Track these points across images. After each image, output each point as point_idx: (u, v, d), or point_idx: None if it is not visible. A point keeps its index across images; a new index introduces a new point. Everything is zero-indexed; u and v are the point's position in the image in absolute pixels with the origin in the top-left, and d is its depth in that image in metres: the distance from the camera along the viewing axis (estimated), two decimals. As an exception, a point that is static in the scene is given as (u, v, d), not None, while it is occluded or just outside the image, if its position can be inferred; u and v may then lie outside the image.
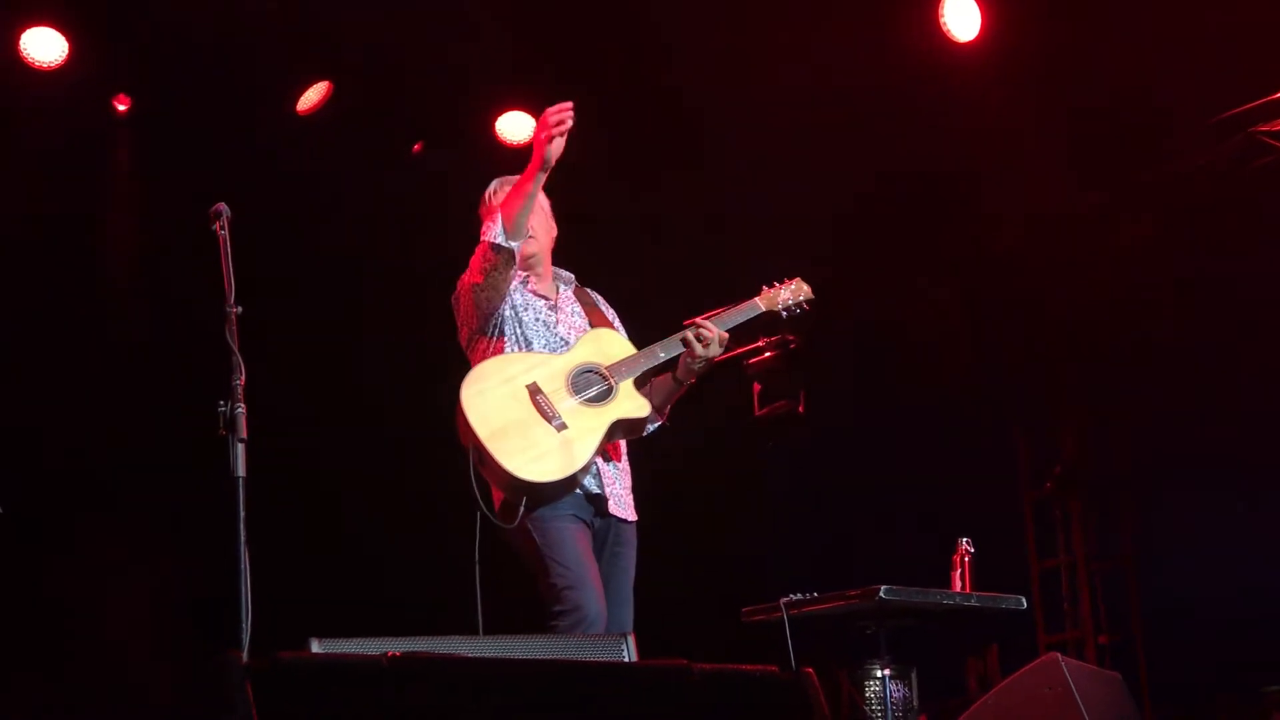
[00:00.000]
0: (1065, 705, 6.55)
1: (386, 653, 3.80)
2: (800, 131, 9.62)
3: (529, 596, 6.02)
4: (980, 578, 7.52)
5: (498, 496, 6.01)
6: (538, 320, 6.21)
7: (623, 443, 6.26)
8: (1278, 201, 9.54)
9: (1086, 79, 9.31)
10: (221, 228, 5.37)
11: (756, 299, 6.45)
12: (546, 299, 6.30)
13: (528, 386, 5.97)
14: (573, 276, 6.52)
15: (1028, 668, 6.90)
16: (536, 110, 9.63)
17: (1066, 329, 10.77)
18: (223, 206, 5.41)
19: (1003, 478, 11.26)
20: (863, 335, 10.66)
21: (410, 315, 9.33)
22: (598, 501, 6.10)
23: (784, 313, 6.48)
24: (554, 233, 6.45)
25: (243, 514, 4.95)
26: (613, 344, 6.24)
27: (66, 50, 8.98)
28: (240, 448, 5.04)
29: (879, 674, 7.24)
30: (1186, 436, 10.23)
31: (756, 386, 9.87)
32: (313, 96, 9.62)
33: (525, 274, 6.28)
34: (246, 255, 5.32)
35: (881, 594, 6.74)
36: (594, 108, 9.46)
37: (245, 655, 3.87)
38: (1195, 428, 10.16)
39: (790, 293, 6.49)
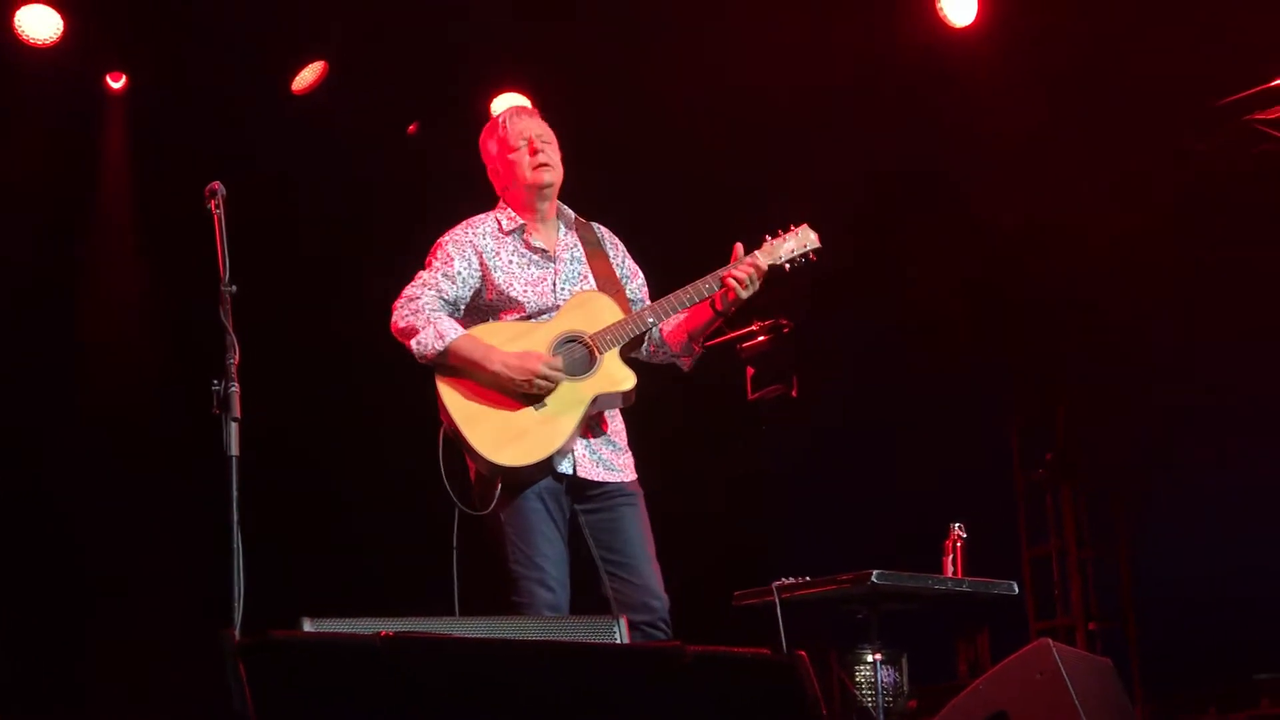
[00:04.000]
0: (1056, 691, 6.55)
1: (380, 632, 3.79)
2: (795, 118, 9.61)
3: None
4: (972, 563, 7.53)
5: (474, 470, 5.91)
6: (529, 280, 6.01)
7: (611, 412, 6.06)
8: (1276, 190, 9.53)
9: (1083, 65, 9.31)
10: (217, 206, 5.35)
11: (756, 253, 6.05)
12: (545, 251, 6.08)
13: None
14: (573, 215, 6.24)
15: (1019, 653, 6.89)
16: (531, 90, 9.73)
17: (1061, 316, 10.77)
18: (218, 185, 5.39)
19: (996, 463, 11.28)
20: (858, 320, 10.66)
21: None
22: (570, 480, 5.91)
23: (787, 265, 6.12)
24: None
25: (235, 493, 4.96)
26: (601, 308, 5.98)
27: (61, 28, 8.97)
28: (234, 427, 5.04)
29: (870, 658, 7.27)
30: (1179, 424, 10.25)
31: (750, 370, 9.87)
32: (308, 76, 9.62)
33: (524, 221, 6.09)
34: (241, 234, 5.32)
35: (874, 578, 6.74)
36: (586, 92, 9.54)
37: (237, 633, 3.87)
38: (1188, 415, 10.18)
39: (795, 242, 6.15)
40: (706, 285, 5.96)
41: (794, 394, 6.64)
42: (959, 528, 7.58)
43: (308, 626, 4.68)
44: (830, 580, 6.90)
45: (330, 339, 9.78)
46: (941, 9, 9.17)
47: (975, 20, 9.21)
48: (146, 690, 9.18)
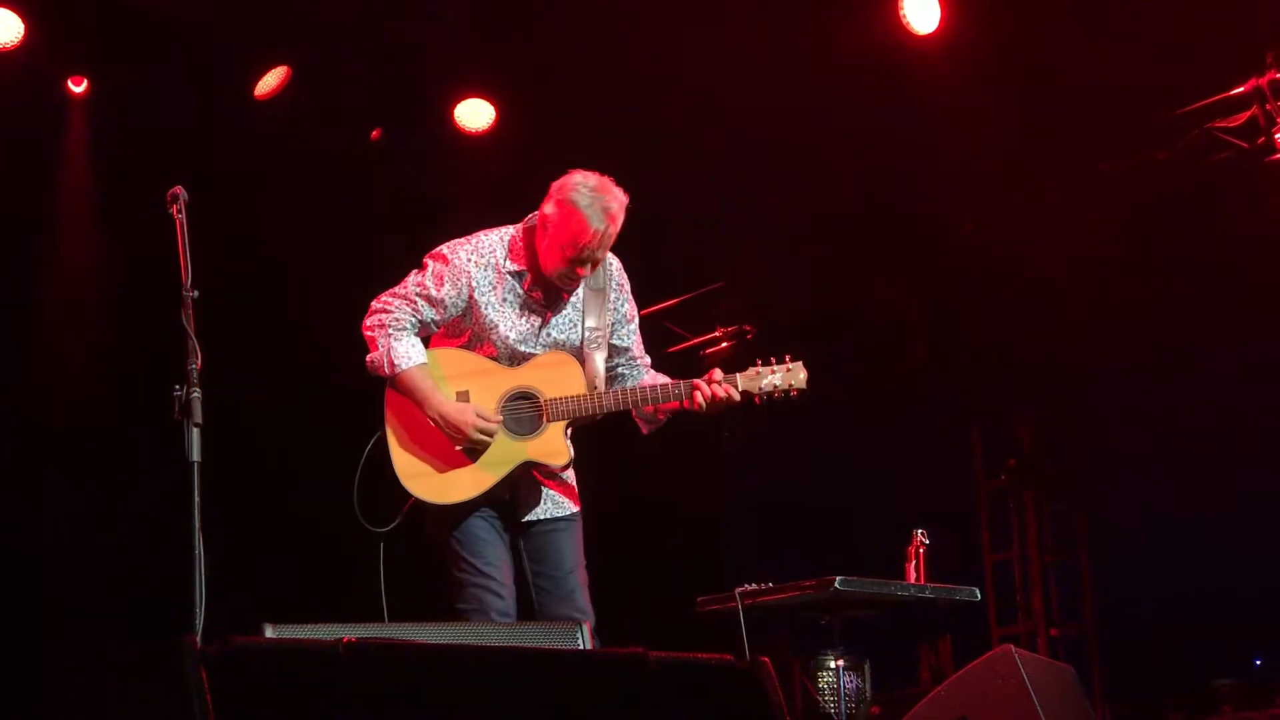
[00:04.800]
0: (1018, 696, 6.56)
1: (342, 638, 3.78)
2: (756, 125, 9.61)
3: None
4: (934, 569, 7.53)
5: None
6: (515, 324, 5.90)
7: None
8: (1235, 197, 9.58)
9: (1045, 72, 9.33)
10: (179, 211, 5.32)
11: (737, 376, 5.95)
12: (539, 297, 5.93)
13: (458, 393, 5.85)
14: None
15: (981, 659, 6.91)
16: (496, 96, 9.72)
17: (1023, 322, 10.80)
18: (180, 190, 5.36)
19: (958, 470, 11.30)
20: (820, 327, 10.66)
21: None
22: (508, 508, 5.94)
23: (760, 399, 5.99)
24: None
25: (197, 499, 4.93)
26: (568, 376, 5.87)
27: (22, 31, 8.91)
28: (195, 432, 5.01)
29: (833, 664, 7.24)
30: (1142, 431, 10.28)
31: (713, 376, 9.84)
32: (271, 81, 9.58)
33: (526, 269, 5.92)
34: (203, 239, 5.29)
35: (836, 585, 6.74)
36: (550, 100, 9.53)
37: (199, 640, 3.85)
38: (1151, 423, 10.21)
39: (783, 379, 6.01)
40: (675, 389, 5.92)
41: (757, 401, 6.63)
42: (921, 534, 7.58)
43: (269, 633, 4.67)
44: (793, 586, 6.90)
45: (293, 343, 9.74)
46: (904, 16, 9.17)
47: (938, 28, 9.22)
48: (104, 698, 9.12)
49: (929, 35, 9.24)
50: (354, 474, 8.70)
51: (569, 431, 5.90)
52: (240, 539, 8.39)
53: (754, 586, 6.97)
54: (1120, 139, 9.81)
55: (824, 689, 7.23)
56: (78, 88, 9.42)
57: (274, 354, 9.63)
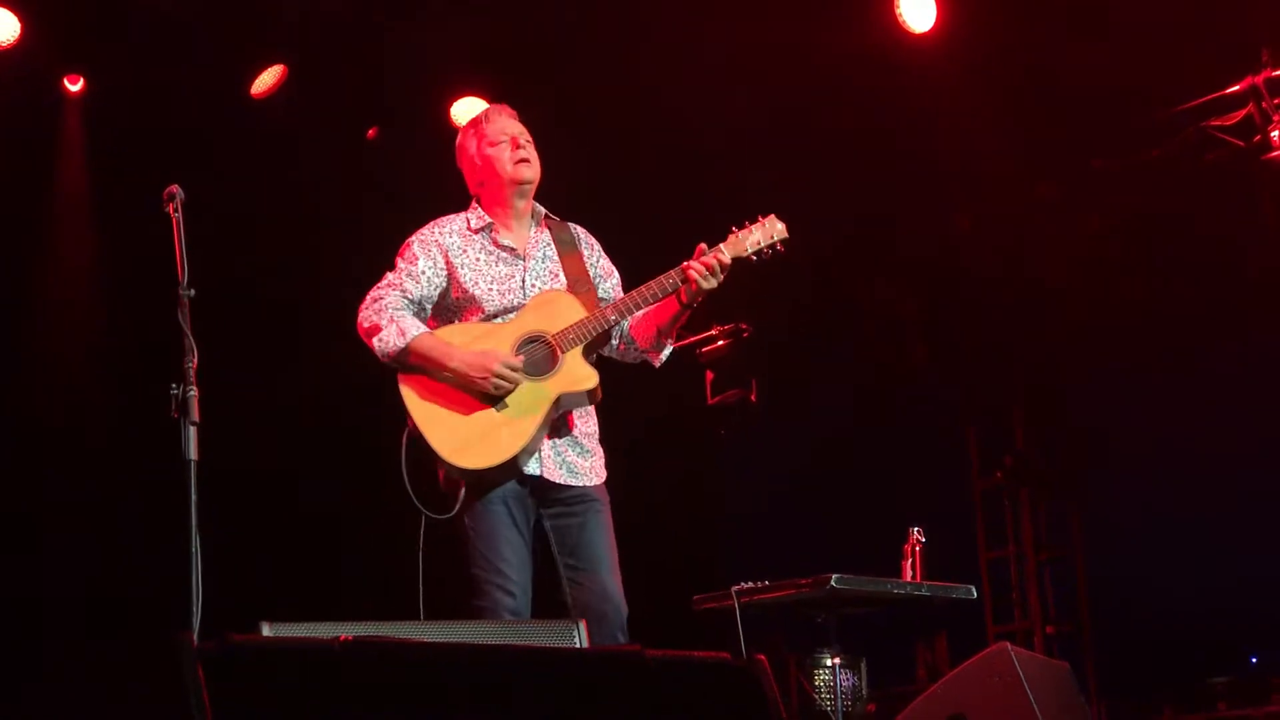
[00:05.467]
0: (1014, 694, 6.57)
1: (339, 636, 3.78)
2: (752, 124, 9.61)
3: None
4: (931, 567, 7.55)
5: (442, 473, 5.88)
6: (496, 278, 5.98)
7: (579, 410, 6.00)
8: (1230, 196, 9.59)
9: (1041, 71, 9.34)
10: (175, 210, 5.32)
11: (721, 245, 5.95)
12: (513, 249, 6.05)
13: None
14: (543, 212, 6.21)
15: (977, 657, 6.91)
16: (491, 96, 9.72)
17: (1020, 321, 10.81)
18: (176, 188, 5.35)
19: (954, 467, 11.31)
20: (816, 324, 10.67)
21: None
22: (535, 483, 5.88)
23: (753, 256, 6.01)
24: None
25: (194, 498, 4.94)
26: (563, 307, 5.92)
27: (18, 29, 8.91)
28: (192, 431, 5.02)
29: (829, 662, 7.26)
30: (1138, 430, 10.30)
31: (709, 375, 9.86)
32: (267, 80, 9.58)
33: (493, 220, 6.09)
34: (200, 238, 5.30)
35: (833, 582, 6.75)
36: (549, 97, 9.53)
37: (196, 638, 3.85)
38: (1147, 422, 10.22)
39: (762, 233, 6.03)
40: (670, 280, 5.90)
41: (753, 399, 6.64)
42: (918, 532, 7.59)
43: (266, 631, 4.67)
44: (789, 584, 6.91)
45: (289, 340, 9.74)
46: (901, 15, 9.18)
47: (934, 26, 9.23)
48: (102, 696, 9.12)
49: (925, 34, 9.25)
50: (356, 470, 8.73)
51: (590, 356, 5.91)
52: (238, 537, 8.41)
53: (750, 585, 6.98)
54: (1116, 137, 9.82)
55: (820, 687, 7.24)
56: (74, 86, 9.43)
57: (272, 352, 9.64)
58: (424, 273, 5.98)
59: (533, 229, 6.15)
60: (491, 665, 4.01)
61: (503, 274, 6.01)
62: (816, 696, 7.26)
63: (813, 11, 9.11)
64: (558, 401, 5.83)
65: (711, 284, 5.89)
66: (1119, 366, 10.37)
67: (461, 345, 5.83)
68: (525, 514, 5.90)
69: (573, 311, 5.92)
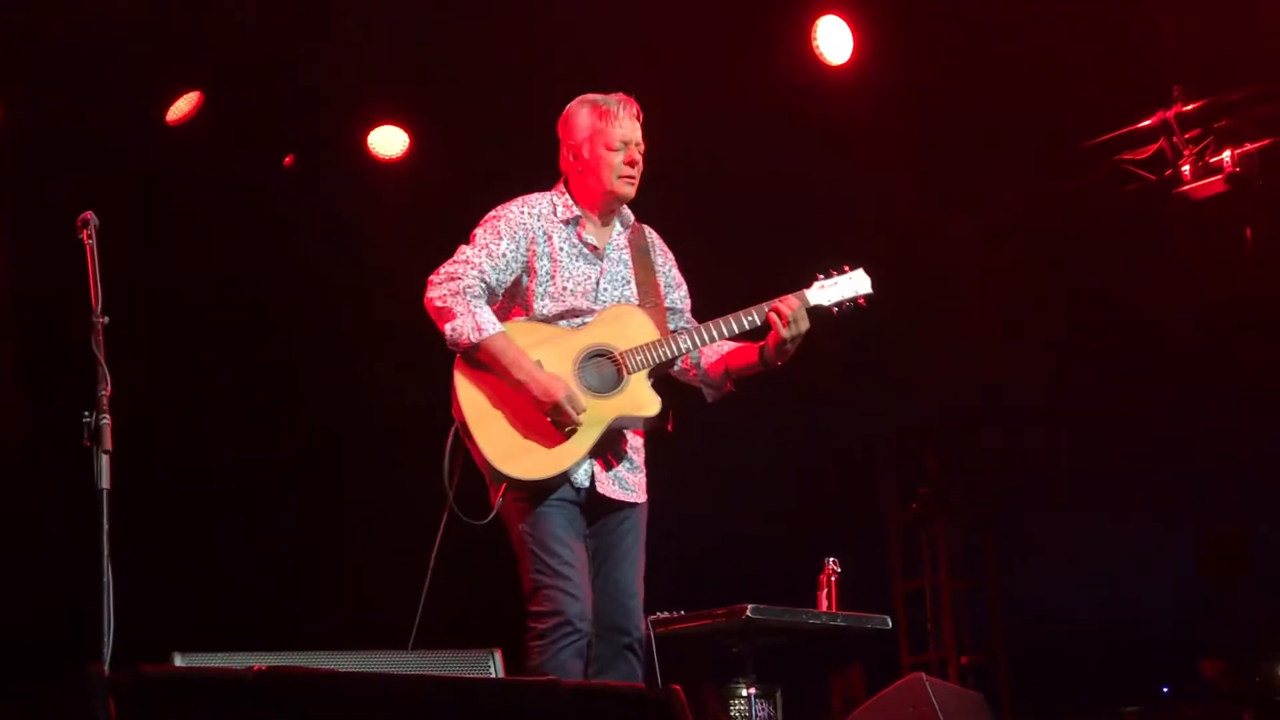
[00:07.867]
0: (929, 724, 6.61)
1: (252, 666, 3.75)
2: (666, 152, 9.62)
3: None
4: (846, 597, 7.57)
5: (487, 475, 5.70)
6: (574, 275, 5.80)
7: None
8: (1146, 227, 9.69)
9: (957, 103, 9.41)
10: (89, 236, 5.28)
11: (804, 291, 5.85)
12: (595, 248, 5.86)
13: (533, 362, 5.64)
14: (631, 217, 6.03)
15: (892, 687, 6.94)
16: (408, 124, 9.70)
17: (934, 351, 10.86)
18: (90, 215, 5.31)
19: (869, 498, 11.35)
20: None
21: (286, 321, 9.34)
22: (587, 494, 5.72)
23: (834, 309, 5.88)
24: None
25: (106, 526, 4.89)
26: (636, 325, 5.76)
27: (-72, 55, 8.83)
28: (105, 459, 4.97)
29: (745, 693, 7.27)
30: (1051, 460, 10.37)
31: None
32: (183, 106, 9.51)
33: (582, 213, 5.89)
34: (115, 265, 5.25)
35: (749, 613, 6.77)
36: (465, 125, 9.52)
37: (107, 668, 3.81)
38: (1060, 451, 10.30)
39: (847, 286, 5.90)
40: (749, 317, 5.80)
41: (669, 429, 6.59)
42: (833, 562, 7.62)
43: (179, 661, 4.64)
44: (705, 614, 6.92)
45: (208, 367, 9.68)
46: (818, 47, 9.22)
47: (850, 58, 9.27)
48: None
49: (841, 66, 9.29)
50: (265, 499, 8.66)
51: (651, 381, 5.78)
52: (151, 567, 8.34)
53: (666, 614, 6.99)
54: (1030, 170, 9.91)
55: (736, 717, 7.25)
56: (-13, 113, 9.34)
57: (189, 379, 9.57)
58: (505, 254, 5.76)
59: (617, 229, 5.99)
60: (406, 695, 3.99)
61: (581, 272, 5.83)
62: (732, 727, 7.26)
63: (729, 42, 9.13)
64: (615, 421, 5.71)
65: (791, 332, 5.77)
66: (1033, 398, 10.44)
67: (527, 347, 5.64)
68: (579, 524, 5.74)
69: (644, 331, 5.78)
